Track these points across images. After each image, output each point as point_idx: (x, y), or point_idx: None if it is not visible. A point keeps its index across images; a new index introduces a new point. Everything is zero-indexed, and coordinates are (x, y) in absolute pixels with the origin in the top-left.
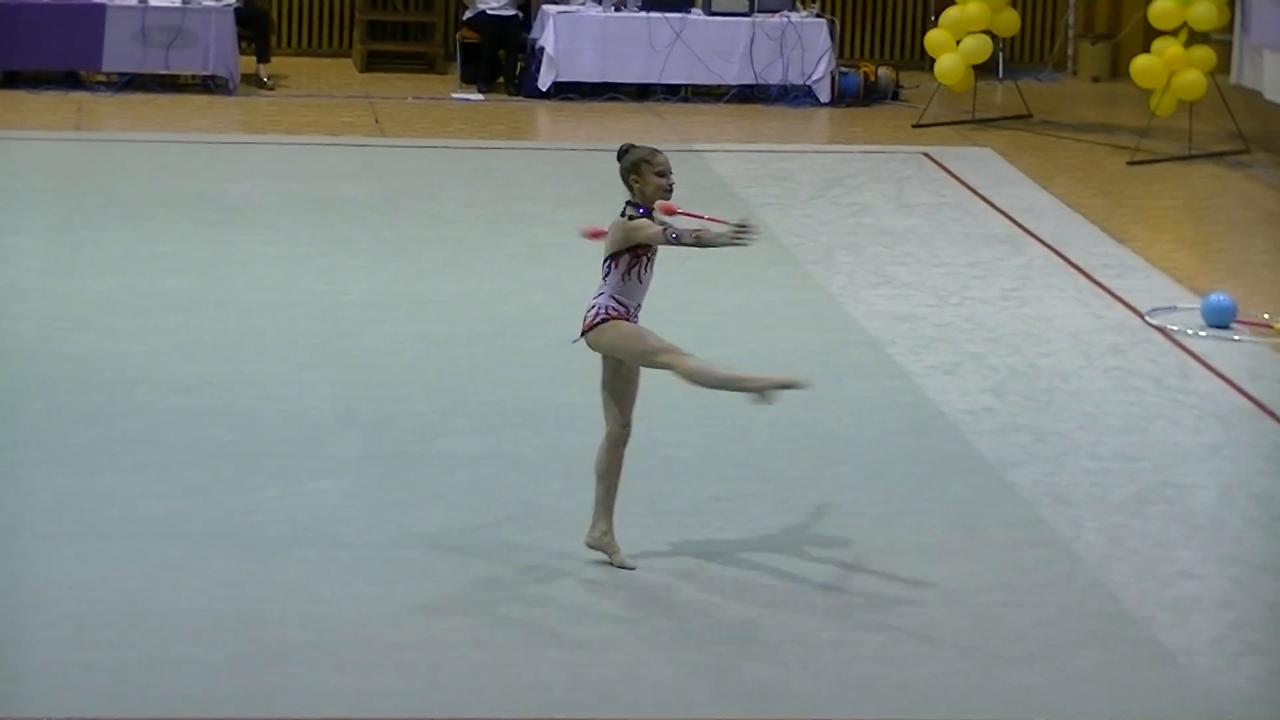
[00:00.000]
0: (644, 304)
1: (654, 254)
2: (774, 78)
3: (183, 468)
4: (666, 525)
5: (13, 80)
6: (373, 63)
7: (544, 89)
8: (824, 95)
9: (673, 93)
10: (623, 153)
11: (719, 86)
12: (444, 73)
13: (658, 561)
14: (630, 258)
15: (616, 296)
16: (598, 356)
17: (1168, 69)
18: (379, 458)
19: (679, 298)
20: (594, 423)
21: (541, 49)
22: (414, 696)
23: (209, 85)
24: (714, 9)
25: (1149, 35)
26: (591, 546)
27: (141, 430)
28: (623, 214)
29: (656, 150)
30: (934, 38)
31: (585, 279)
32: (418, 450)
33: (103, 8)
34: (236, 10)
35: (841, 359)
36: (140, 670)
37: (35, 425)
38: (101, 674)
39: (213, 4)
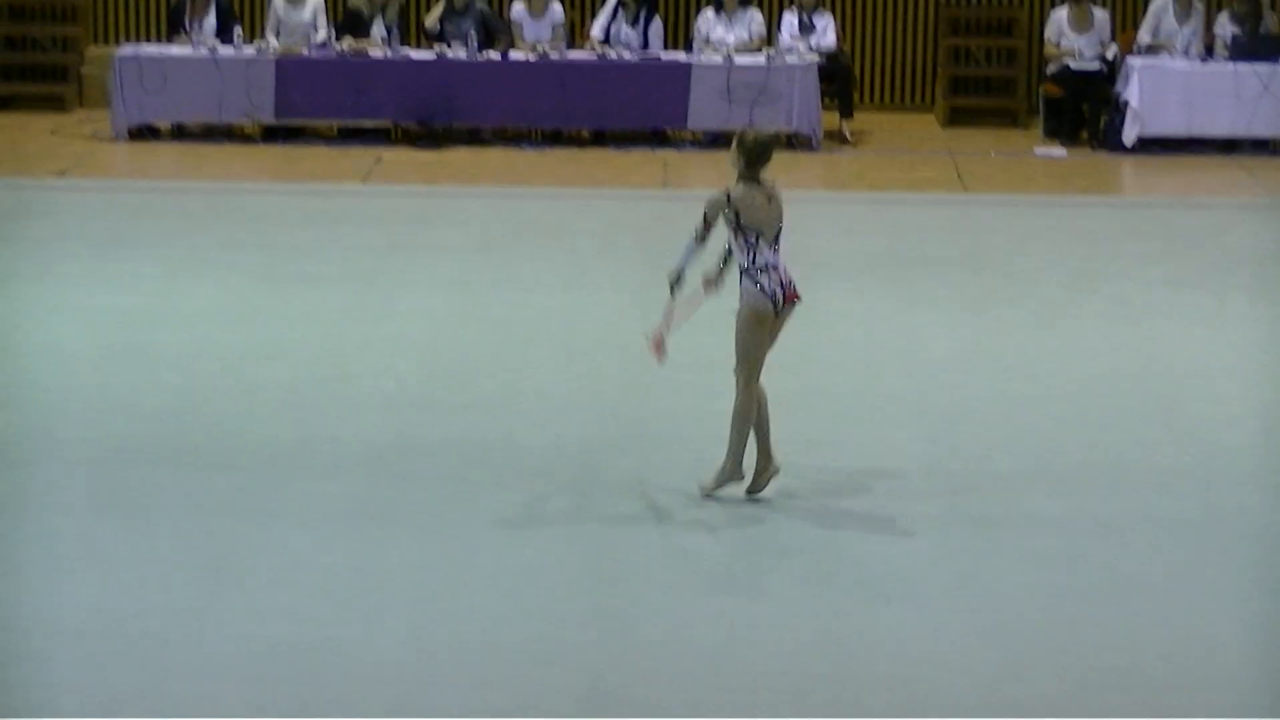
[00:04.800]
0: None
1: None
2: None
3: (763, 528)
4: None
5: (600, 138)
6: (955, 118)
7: (1128, 143)
8: None
9: (1261, 146)
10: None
11: None
12: (1027, 127)
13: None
14: None
15: None
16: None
17: None
18: (963, 518)
19: None
20: (1192, 485)
21: (1126, 103)
22: None
23: (792, 142)
24: None
25: None
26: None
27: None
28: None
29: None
30: None
31: (1186, 338)
32: (1001, 512)
33: (688, 67)
34: (820, 67)
35: None
36: None
37: (624, 482)
38: None
39: (796, 61)
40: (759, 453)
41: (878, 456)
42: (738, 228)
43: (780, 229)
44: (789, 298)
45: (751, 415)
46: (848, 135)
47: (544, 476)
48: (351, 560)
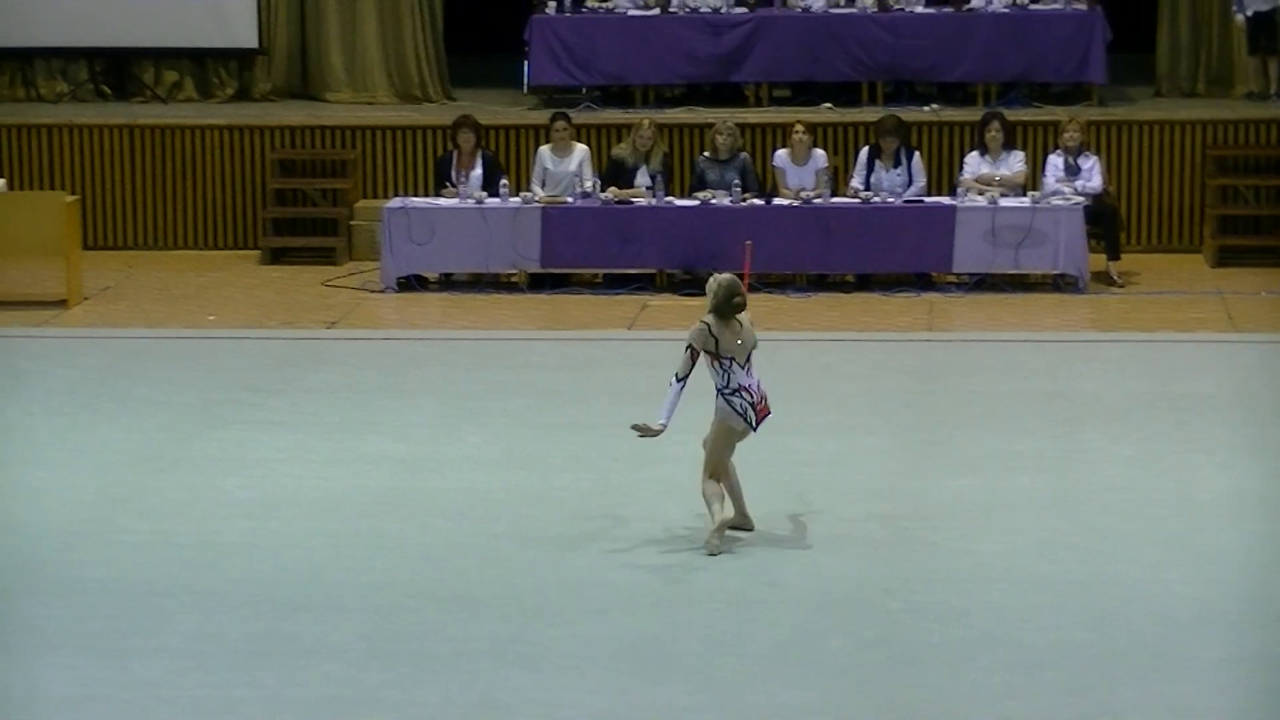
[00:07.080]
0: None
1: None
2: None
3: (1041, 669)
4: None
5: (865, 282)
6: (1224, 257)
7: None
8: None
9: None
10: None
11: None
12: None
13: None
14: None
15: None
16: None
17: None
18: (1242, 658)
19: None
20: None
21: None
22: None
23: (1058, 284)
24: None
25: None
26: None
27: (999, 629)
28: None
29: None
30: None
31: None
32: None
33: (953, 210)
34: (1086, 209)
35: None
36: None
37: (895, 624)
38: None
39: (1062, 204)
40: (735, 512)
41: (1151, 597)
42: (716, 355)
43: (751, 354)
44: (761, 414)
45: (716, 491)
46: (1115, 277)
47: (814, 616)
48: (621, 703)
